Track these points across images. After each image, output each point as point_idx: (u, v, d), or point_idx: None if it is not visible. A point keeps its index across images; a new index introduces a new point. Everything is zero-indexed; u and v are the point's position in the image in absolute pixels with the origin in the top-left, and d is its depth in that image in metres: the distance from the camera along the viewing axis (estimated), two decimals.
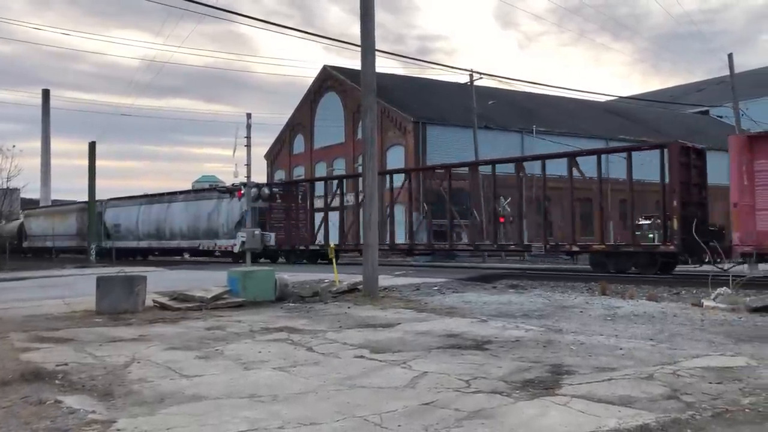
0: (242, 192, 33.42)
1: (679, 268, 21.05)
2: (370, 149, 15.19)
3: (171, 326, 10.36)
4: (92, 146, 38.21)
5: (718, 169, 25.09)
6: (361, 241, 14.97)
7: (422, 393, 5.70)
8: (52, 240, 47.11)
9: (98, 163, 40.33)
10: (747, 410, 4.99)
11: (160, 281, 17.53)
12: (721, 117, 60.55)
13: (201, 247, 35.77)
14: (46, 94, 69.36)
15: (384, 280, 16.24)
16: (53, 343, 8.71)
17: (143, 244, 40.24)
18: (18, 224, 54.47)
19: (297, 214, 33.03)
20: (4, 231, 54.57)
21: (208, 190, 38.23)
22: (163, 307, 12.75)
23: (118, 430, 4.74)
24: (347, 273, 18.25)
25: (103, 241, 40.83)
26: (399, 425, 4.75)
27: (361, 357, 7.44)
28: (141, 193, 44.24)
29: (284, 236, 31.83)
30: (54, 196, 70.82)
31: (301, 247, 31.77)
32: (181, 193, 39.81)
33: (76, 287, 17.27)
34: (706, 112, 66.09)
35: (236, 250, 33.64)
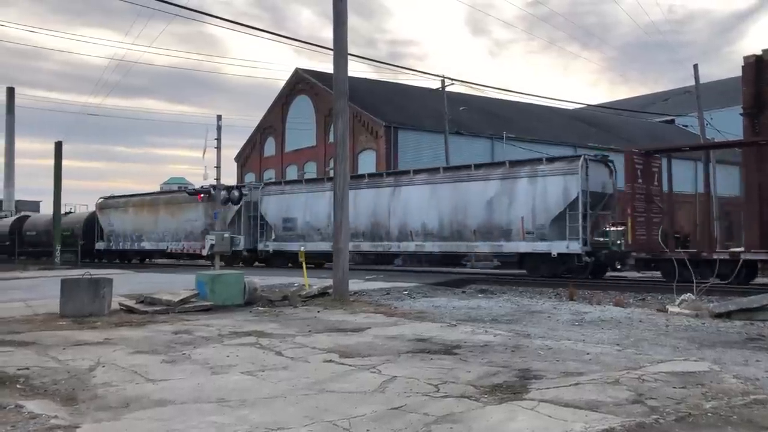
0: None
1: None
2: (342, 153, 15.16)
3: (137, 330, 10.20)
4: (58, 146, 37.49)
5: (682, 177, 26.18)
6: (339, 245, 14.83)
7: (391, 397, 5.70)
8: (156, 240, 37.41)
9: (64, 163, 38.66)
10: (709, 414, 5.08)
11: (126, 284, 17.26)
12: (686, 126, 61.71)
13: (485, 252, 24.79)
14: (10, 92, 68.02)
15: (354, 285, 16.22)
16: (14, 346, 8.52)
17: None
18: (84, 218, 43.77)
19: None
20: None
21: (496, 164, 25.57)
22: (129, 310, 12.56)
23: None
24: (318, 277, 18.18)
25: (263, 241, 31.61)
26: (368, 429, 4.74)
27: (331, 361, 7.42)
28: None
29: None
30: (18, 197, 69.42)
31: None
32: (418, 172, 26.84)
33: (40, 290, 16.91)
34: (672, 121, 67.36)
35: (206, 252, 33.54)
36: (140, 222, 38.27)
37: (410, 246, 25.83)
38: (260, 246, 31.61)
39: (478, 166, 24.73)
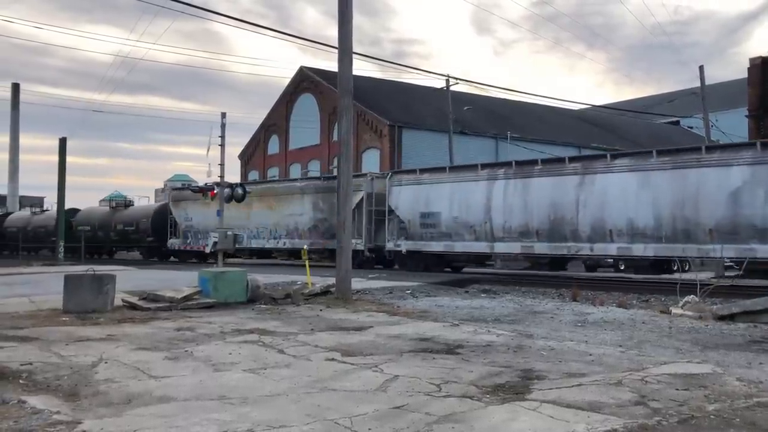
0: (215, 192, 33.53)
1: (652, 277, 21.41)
2: (346, 151, 15.17)
3: (140, 326, 10.22)
4: (63, 142, 37.53)
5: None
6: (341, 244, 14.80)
7: (393, 396, 5.69)
8: (247, 237, 31.82)
9: (68, 159, 38.51)
10: (712, 417, 5.07)
11: (130, 281, 17.30)
12: (691, 127, 61.64)
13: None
14: (15, 88, 68.08)
15: (357, 283, 16.22)
16: (18, 341, 8.53)
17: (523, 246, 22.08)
18: (153, 212, 38.56)
19: None
20: (116, 218, 40.26)
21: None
22: (132, 306, 12.58)
23: (84, 431, 4.65)
24: (320, 275, 18.19)
25: (393, 240, 26.14)
26: (369, 429, 4.74)
27: (333, 360, 7.42)
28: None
29: None
30: (22, 193, 69.58)
31: None
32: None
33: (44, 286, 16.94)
34: (677, 123, 67.22)
35: (208, 250, 33.51)
36: (227, 216, 33.41)
37: (609, 248, 20.44)
38: (389, 245, 26.03)
39: (710, 149, 19.88)
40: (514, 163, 22.66)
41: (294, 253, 30.94)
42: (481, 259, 25.56)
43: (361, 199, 26.59)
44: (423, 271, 23.99)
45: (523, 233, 21.53)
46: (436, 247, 24.28)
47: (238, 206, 30.02)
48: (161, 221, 36.74)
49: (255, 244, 31.32)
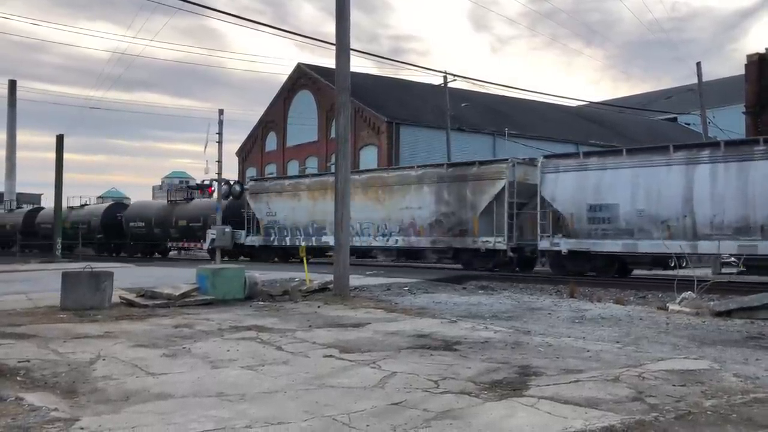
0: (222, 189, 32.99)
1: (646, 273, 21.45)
2: (343, 148, 15.15)
3: (138, 323, 10.21)
4: (60, 139, 37.42)
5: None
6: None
7: (391, 393, 5.70)
8: (361, 234, 26.83)
9: (65, 156, 37.85)
10: (709, 412, 5.08)
11: (128, 278, 17.28)
12: (688, 124, 61.65)
13: None
14: (12, 84, 67.92)
15: (355, 280, 16.23)
16: (15, 339, 8.53)
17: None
18: (225, 207, 32.98)
19: None
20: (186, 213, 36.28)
21: None
22: (130, 304, 12.57)
23: (82, 428, 4.65)
24: (318, 272, 18.19)
25: (548, 237, 21.11)
26: (367, 425, 4.75)
27: (331, 356, 7.42)
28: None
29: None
30: (19, 190, 69.45)
31: None
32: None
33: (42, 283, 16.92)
34: (675, 119, 67.26)
35: (206, 247, 33.25)
36: (321, 209, 28.09)
37: None
38: (542, 244, 21.28)
39: None
40: (723, 143, 18.68)
41: (409, 254, 28.07)
42: (664, 260, 19.57)
43: (502, 188, 22.40)
44: (590, 273, 20.10)
45: (740, 229, 17.58)
46: (612, 246, 19.74)
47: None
48: (234, 216, 32.75)
49: (357, 242, 25.89)
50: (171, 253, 41.74)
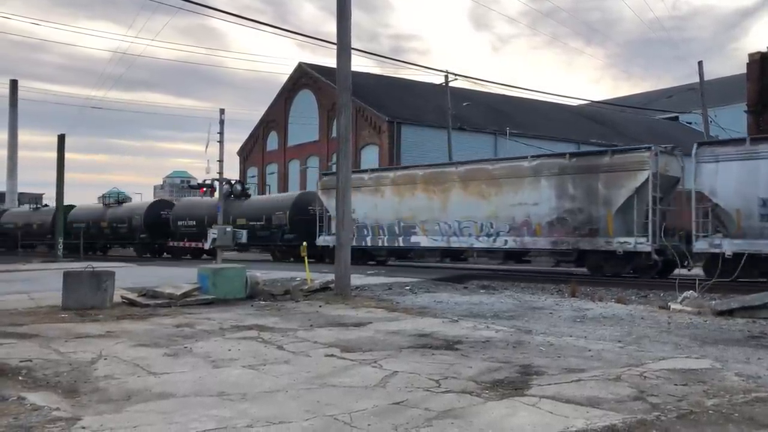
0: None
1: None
2: (344, 147, 15.15)
3: (139, 323, 10.22)
4: (61, 139, 37.45)
5: (688, 174, 24.52)
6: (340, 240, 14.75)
7: (392, 392, 5.70)
8: (441, 234, 24.09)
9: (66, 156, 37.59)
10: (711, 412, 5.08)
11: (129, 277, 17.29)
12: (690, 123, 61.61)
13: None
14: (13, 84, 68.01)
15: (356, 279, 16.23)
16: (17, 338, 8.53)
17: None
18: (292, 202, 31.76)
19: None
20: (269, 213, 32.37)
21: None
22: (131, 303, 12.58)
23: (83, 428, 4.66)
24: (320, 272, 18.19)
25: (705, 239, 18.11)
26: (369, 424, 4.75)
27: (332, 356, 7.42)
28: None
29: None
30: (21, 189, 69.55)
31: None
32: None
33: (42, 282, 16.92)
34: (676, 118, 67.22)
35: (207, 246, 33.07)
36: (410, 206, 25.26)
37: None
38: (699, 245, 18.15)
39: None
40: None
41: (518, 256, 25.22)
42: None
43: (645, 180, 19.40)
44: (759, 279, 17.17)
45: None
46: None
47: (429, 192, 24.52)
48: (302, 214, 30.47)
49: (455, 243, 23.64)
50: (228, 254, 34.53)
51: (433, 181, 24.85)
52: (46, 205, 51.17)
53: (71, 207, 45.54)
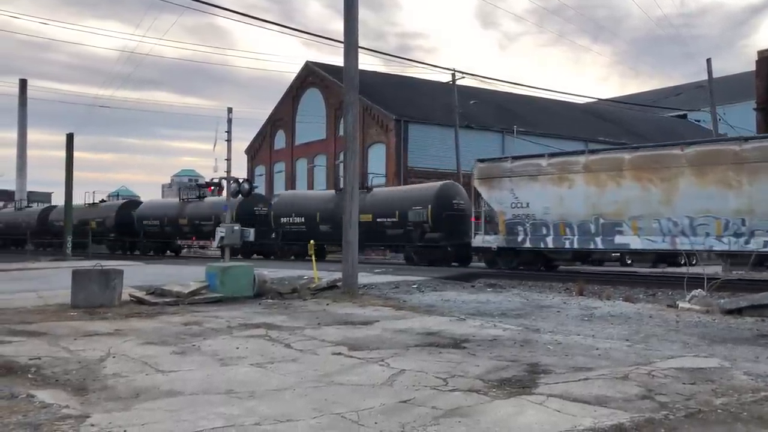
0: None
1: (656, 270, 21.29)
2: (352, 146, 15.16)
3: (147, 321, 10.26)
4: (70, 138, 37.58)
5: None
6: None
7: (400, 390, 5.70)
8: (662, 233, 19.34)
9: (75, 154, 37.69)
10: (719, 411, 5.06)
11: (137, 275, 17.35)
12: (698, 121, 61.33)
13: None
14: (23, 84, 68.28)
15: (363, 278, 16.24)
16: (26, 336, 8.58)
17: None
18: (434, 194, 26.18)
19: None
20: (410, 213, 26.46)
21: None
22: (139, 301, 12.63)
23: (92, 425, 4.68)
24: (327, 270, 18.21)
25: None
26: (376, 422, 4.75)
27: (339, 354, 7.43)
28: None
29: None
30: (30, 188, 69.87)
31: None
32: None
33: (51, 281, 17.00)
34: (684, 116, 66.92)
35: (215, 245, 33.03)
36: (613, 198, 20.35)
37: None
38: None
39: None
40: None
41: None
42: None
43: None
44: None
45: None
46: None
47: (643, 181, 19.66)
48: (440, 210, 25.52)
49: (684, 244, 18.84)
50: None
51: (648, 167, 19.80)
52: (53, 205, 52.06)
53: (138, 203, 44.48)
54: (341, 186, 22.70)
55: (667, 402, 5.28)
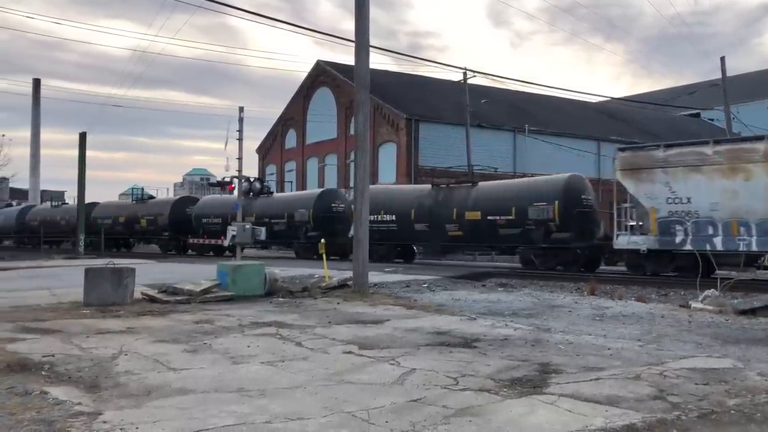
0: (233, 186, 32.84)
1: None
2: (362, 145, 15.16)
3: (159, 319, 10.31)
4: (83, 137, 37.85)
5: None
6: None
7: (410, 390, 5.70)
8: None
9: (88, 153, 38.00)
10: (732, 411, 5.02)
11: (149, 274, 17.44)
12: (712, 120, 60.91)
13: None
14: (36, 83, 68.85)
15: (374, 277, 16.24)
16: (40, 333, 8.66)
17: None
18: (560, 189, 22.83)
19: None
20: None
21: None
22: (152, 299, 12.69)
23: (104, 422, 4.71)
24: (337, 269, 18.23)
25: None
26: (386, 421, 4.75)
27: (350, 353, 7.44)
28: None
29: None
30: (43, 187, 70.42)
31: None
32: None
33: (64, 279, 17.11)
34: (698, 115, 66.44)
35: (226, 243, 33.04)
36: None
37: None
38: None
39: None
40: None
41: None
42: None
43: None
44: None
45: None
46: None
47: None
48: (570, 204, 22.33)
49: None
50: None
51: None
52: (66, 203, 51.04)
53: (195, 200, 42.02)
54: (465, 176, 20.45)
55: (679, 402, 5.25)
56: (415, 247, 29.30)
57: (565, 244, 22.18)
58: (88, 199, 39.69)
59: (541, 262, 22.83)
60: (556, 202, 22.44)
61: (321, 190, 32.47)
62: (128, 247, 43.28)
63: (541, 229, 22.64)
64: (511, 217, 23.43)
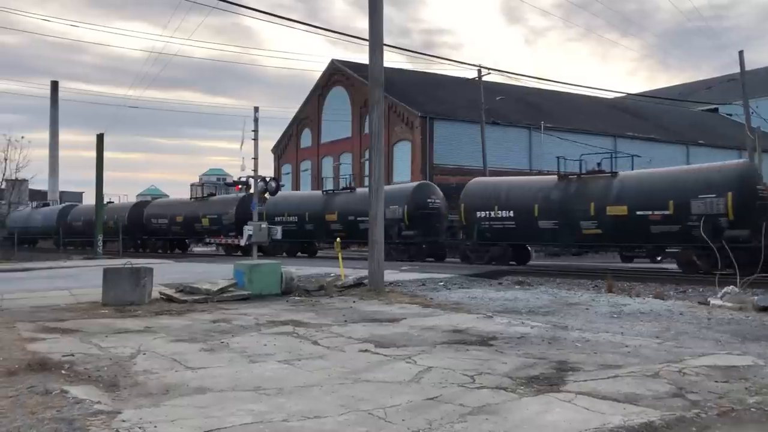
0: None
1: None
2: (377, 144, 15.17)
3: (177, 318, 10.38)
4: (100, 138, 38.19)
5: None
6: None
7: (427, 388, 5.69)
8: None
9: (105, 154, 37.92)
10: (753, 409, 4.96)
11: (166, 273, 17.57)
12: (730, 115, 60.22)
13: None
14: (54, 85, 69.61)
15: (390, 275, 16.24)
16: (60, 333, 8.75)
17: None
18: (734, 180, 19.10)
19: None
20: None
21: None
22: (169, 299, 12.78)
23: (123, 421, 4.76)
24: (353, 268, 18.24)
25: None
26: (403, 419, 4.75)
27: (366, 351, 7.45)
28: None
29: None
30: (61, 188, 71.17)
31: None
32: None
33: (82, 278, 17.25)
34: (716, 110, 65.75)
35: (243, 243, 32.95)
36: None
37: None
38: None
39: None
40: None
41: None
42: None
43: None
44: None
45: None
46: None
47: None
48: (746, 196, 18.72)
49: None
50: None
51: None
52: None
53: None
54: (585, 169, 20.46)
55: (698, 400, 5.20)
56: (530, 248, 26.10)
57: (747, 242, 18.20)
58: (105, 200, 39.95)
59: (704, 263, 19.00)
60: (729, 194, 18.66)
61: (416, 183, 28.73)
62: (183, 249, 40.63)
63: (708, 226, 18.47)
64: (667, 213, 19.88)
